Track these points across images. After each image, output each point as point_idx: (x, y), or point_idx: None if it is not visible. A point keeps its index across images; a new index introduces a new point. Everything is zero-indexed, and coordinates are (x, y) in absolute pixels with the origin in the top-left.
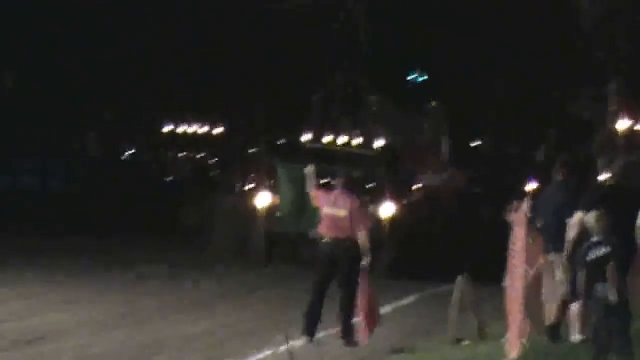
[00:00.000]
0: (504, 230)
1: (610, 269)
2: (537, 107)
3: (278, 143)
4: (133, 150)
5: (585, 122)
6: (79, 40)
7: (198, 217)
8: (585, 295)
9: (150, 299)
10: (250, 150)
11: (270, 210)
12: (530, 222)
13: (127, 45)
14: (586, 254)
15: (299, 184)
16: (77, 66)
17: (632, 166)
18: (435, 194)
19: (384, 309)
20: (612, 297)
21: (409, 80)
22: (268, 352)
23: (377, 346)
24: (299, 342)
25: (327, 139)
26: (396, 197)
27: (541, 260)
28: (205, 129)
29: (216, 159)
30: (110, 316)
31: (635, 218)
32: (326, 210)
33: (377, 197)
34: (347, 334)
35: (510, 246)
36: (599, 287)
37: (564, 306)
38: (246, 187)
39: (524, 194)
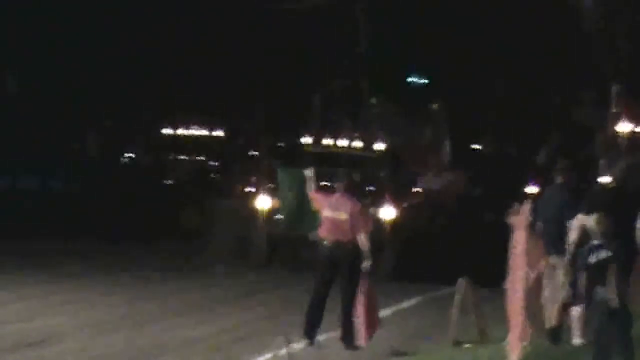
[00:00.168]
0: (505, 232)
1: (611, 272)
2: (538, 109)
3: (278, 145)
4: (132, 153)
5: (587, 125)
6: (79, 41)
7: (198, 220)
8: (586, 298)
9: (151, 301)
10: (251, 153)
11: (271, 212)
12: (531, 224)
13: (127, 46)
14: (587, 257)
15: (299, 186)
16: (77, 67)
17: (633, 168)
18: (436, 197)
19: (385, 312)
20: (614, 301)
21: (409, 82)
22: (268, 355)
23: (378, 349)
24: (299, 345)
25: (327, 141)
26: (397, 199)
27: (542, 263)
28: (206, 131)
29: (216, 162)
30: (110, 318)
31: (636, 220)
32: (327, 213)
33: (378, 200)
34: (348, 336)
35: (511, 249)
36: (600, 290)
37: (564, 309)
38: (246, 190)
39: (525, 196)
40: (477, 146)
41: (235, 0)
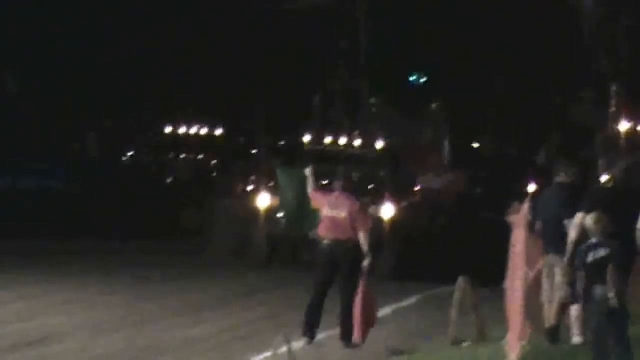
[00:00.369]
0: (504, 231)
1: (610, 271)
2: (538, 108)
3: (278, 144)
4: (132, 152)
5: (586, 124)
6: (79, 41)
7: (198, 219)
8: (583, 297)
9: (151, 301)
10: (251, 152)
11: (271, 211)
12: (531, 224)
13: (127, 46)
14: (585, 256)
15: (299, 185)
16: (77, 67)
17: (632, 167)
18: (436, 196)
19: (384, 311)
20: (612, 300)
21: (409, 81)
22: (268, 354)
23: (377, 348)
24: (299, 344)
25: (327, 140)
26: (396, 198)
27: (541, 262)
28: (206, 130)
29: (216, 161)
30: (110, 318)
31: (635, 219)
32: (326, 211)
33: (377, 199)
34: (347, 335)
35: (511, 248)
36: (598, 289)
37: (562, 308)
38: (247, 189)
39: (525, 195)
40: (476, 145)
41: (235, 0)
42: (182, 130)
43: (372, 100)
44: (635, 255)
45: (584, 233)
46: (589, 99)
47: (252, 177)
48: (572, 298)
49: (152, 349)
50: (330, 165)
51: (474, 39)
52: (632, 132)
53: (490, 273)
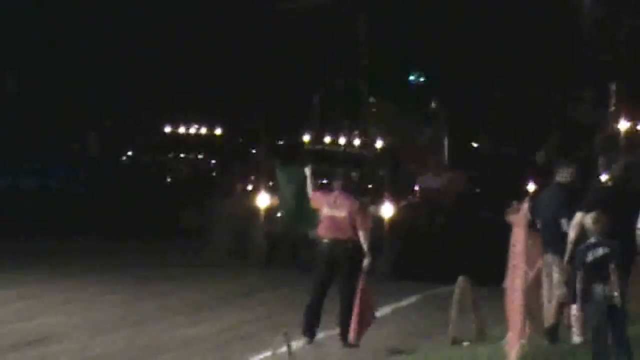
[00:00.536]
0: (504, 231)
1: (612, 270)
2: (538, 108)
3: (278, 144)
4: (131, 152)
5: (586, 124)
6: (79, 41)
7: (198, 219)
8: (583, 297)
9: (151, 300)
10: (251, 152)
11: (270, 211)
12: (530, 223)
13: (127, 46)
14: (585, 256)
15: (298, 184)
16: (77, 67)
17: (632, 167)
18: (435, 196)
19: (384, 310)
20: (617, 299)
21: (409, 81)
22: (268, 354)
23: (377, 347)
24: (298, 344)
25: (326, 140)
26: (396, 198)
27: (540, 262)
28: (205, 130)
29: (216, 161)
30: (110, 318)
31: (635, 219)
32: (325, 211)
33: (377, 198)
34: (347, 335)
35: (511, 247)
36: (598, 289)
37: (560, 308)
38: (246, 189)
39: (524, 195)
40: (476, 145)
41: (235, 0)
42: (181, 130)
43: (372, 100)
44: (635, 255)
45: (583, 233)
46: (588, 99)
47: (252, 177)
48: (571, 298)
49: (152, 349)
50: (329, 165)
51: (473, 38)
52: (631, 131)
53: (490, 273)
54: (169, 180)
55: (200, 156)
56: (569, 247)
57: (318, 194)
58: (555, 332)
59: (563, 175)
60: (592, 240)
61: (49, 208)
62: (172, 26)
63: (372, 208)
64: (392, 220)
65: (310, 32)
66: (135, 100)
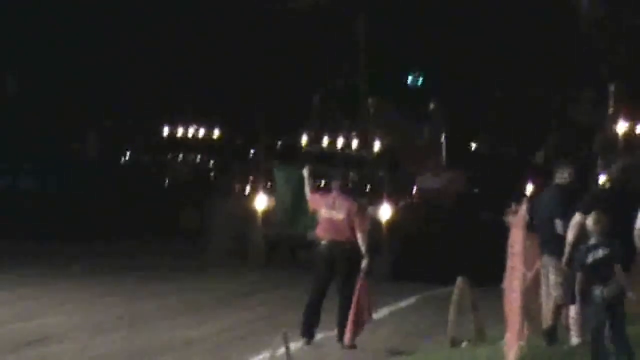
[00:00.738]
0: (503, 232)
1: (618, 270)
2: (537, 108)
3: (276, 145)
4: (129, 153)
5: (585, 124)
6: (79, 41)
7: (197, 220)
8: (582, 298)
9: (150, 301)
10: (250, 152)
11: (269, 212)
12: (529, 224)
13: (127, 46)
14: (585, 257)
15: (296, 185)
16: (77, 67)
17: (631, 168)
18: (434, 196)
19: (383, 311)
20: (630, 293)
21: (407, 82)
22: (267, 355)
23: (376, 348)
24: (297, 344)
25: (325, 141)
26: (395, 199)
27: (539, 263)
28: (204, 131)
29: (215, 161)
30: (110, 319)
31: (634, 220)
32: (324, 213)
33: (375, 199)
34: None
35: (509, 248)
36: (596, 290)
37: (558, 309)
38: (245, 190)
39: (523, 196)
40: (475, 145)
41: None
42: (180, 130)
43: (370, 101)
44: (635, 255)
45: (582, 234)
46: (588, 99)
47: (251, 178)
48: (569, 299)
49: (152, 349)
50: (328, 166)
51: (472, 39)
52: (630, 132)
53: (488, 273)
54: (168, 180)
55: (199, 157)
56: (567, 248)
57: (316, 196)
58: (554, 333)
59: (561, 176)
60: (593, 241)
61: (48, 208)
62: (172, 26)
63: (370, 209)
64: (391, 221)
65: (309, 33)
66: (135, 101)
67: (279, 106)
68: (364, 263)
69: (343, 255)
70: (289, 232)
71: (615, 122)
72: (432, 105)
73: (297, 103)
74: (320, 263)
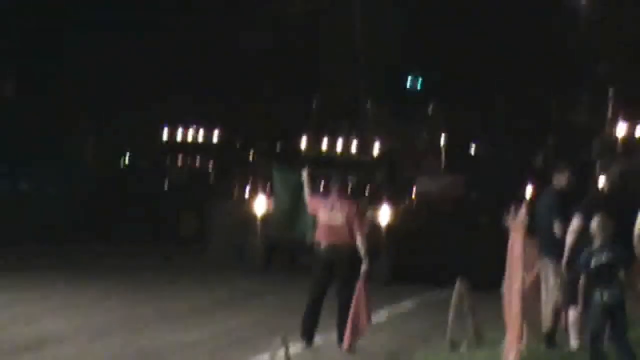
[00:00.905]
0: (502, 235)
1: (627, 275)
2: (536, 111)
3: (275, 148)
4: (129, 156)
5: (584, 129)
6: (79, 41)
7: (196, 223)
8: (583, 301)
9: (149, 305)
10: (249, 156)
11: (268, 216)
12: (528, 228)
13: (127, 47)
14: (589, 260)
15: (295, 187)
16: (77, 68)
17: (628, 173)
18: (433, 200)
19: (382, 315)
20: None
21: (406, 86)
22: (266, 358)
23: (375, 352)
24: (296, 348)
25: (324, 144)
26: (394, 202)
27: (538, 266)
28: (203, 134)
29: (214, 165)
30: (108, 322)
31: (632, 224)
32: (323, 216)
33: (374, 203)
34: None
35: (508, 252)
36: (598, 294)
37: (557, 313)
38: (244, 193)
39: (522, 199)
40: (474, 149)
41: (235, 3)
42: (180, 134)
43: (369, 104)
44: (634, 259)
45: (580, 238)
46: (587, 103)
47: (250, 182)
48: (569, 302)
49: (150, 353)
50: (327, 169)
51: (471, 43)
52: (629, 136)
53: (487, 277)
54: (167, 183)
55: (198, 160)
56: (567, 251)
57: (315, 200)
58: (553, 337)
59: (560, 179)
60: (597, 245)
61: (47, 211)
62: (171, 26)
63: (369, 212)
64: (390, 224)
65: (308, 36)
66: (135, 104)
67: (277, 110)
68: (363, 266)
69: (342, 259)
70: (288, 236)
71: (614, 125)
72: (431, 109)
73: (297, 106)
74: (319, 266)
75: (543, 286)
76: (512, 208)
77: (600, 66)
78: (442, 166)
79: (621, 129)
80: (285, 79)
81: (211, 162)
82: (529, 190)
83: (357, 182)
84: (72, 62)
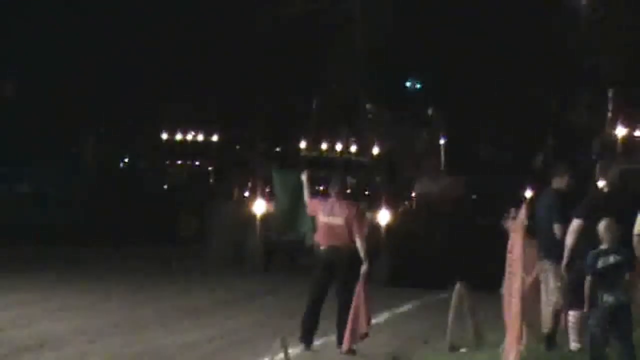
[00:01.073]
0: (502, 237)
1: (627, 277)
2: (536, 113)
3: (275, 150)
4: (128, 158)
5: (584, 129)
6: (79, 41)
7: (195, 225)
8: (588, 302)
9: (148, 306)
10: (248, 158)
11: (267, 217)
12: (528, 229)
13: (127, 47)
14: (595, 262)
15: (295, 189)
16: (77, 69)
17: (627, 174)
18: (433, 201)
19: (381, 317)
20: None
21: (405, 87)
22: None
23: (375, 354)
24: (296, 350)
25: (324, 146)
26: (393, 204)
27: (538, 268)
28: (203, 136)
29: (214, 166)
30: (108, 324)
31: (631, 225)
32: (322, 218)
33: (374, 204)
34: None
35: (508, 253)
36: (605, 295)
37: (557, 314)
38: (244, 195)
39: (522, 200)
40: (473, 151)
41: (234, 4)
42: (179, 136)
43: (369, 105)
44: (634, 259)
45: (580, 239)
46: (586, 103)
47: (249, 183)
48: (570, 303)
49: (150, 355)
50: (326, 171)
51: (470, 44)
52: (629, 137)
53: (487, 278)
54: (166, 186)
55: (197, 162)
56: (566, 253)
57: (315, 201)
58: (553, 338)
59: (560, 180)
60: (604, 247)
61: (46, 213)
62: (171, 26)
63: (368, 214)
64: (389, 225)
65: (308, 38)
66: (134, 106)
67: (277, 111)
68: (363, 267)
69: (342, 261)
70: (288, 237)
71: (614, 126)
72: (430, 110)
73: (296, 108)
74: (319, 268)
75: (543, 287)
76: (512, 209)
77: (600, 66)
78: (442, 168)
79: (621, 130)
80: (285, 79)
81: (210, 163)
82: (528, 191)
83: (357, 183)
84: (72, 62)
